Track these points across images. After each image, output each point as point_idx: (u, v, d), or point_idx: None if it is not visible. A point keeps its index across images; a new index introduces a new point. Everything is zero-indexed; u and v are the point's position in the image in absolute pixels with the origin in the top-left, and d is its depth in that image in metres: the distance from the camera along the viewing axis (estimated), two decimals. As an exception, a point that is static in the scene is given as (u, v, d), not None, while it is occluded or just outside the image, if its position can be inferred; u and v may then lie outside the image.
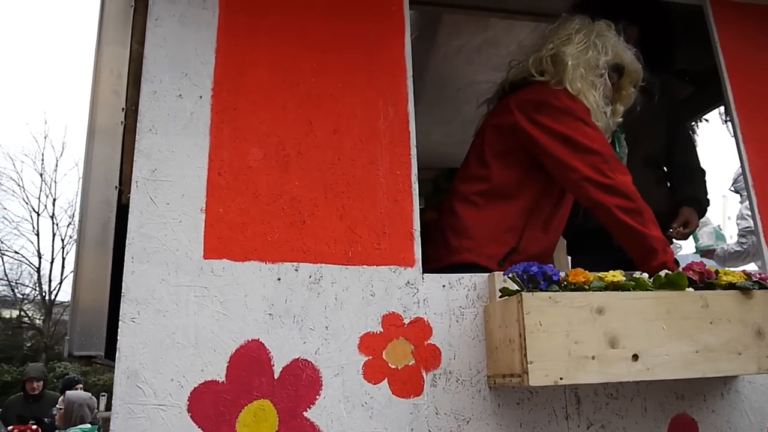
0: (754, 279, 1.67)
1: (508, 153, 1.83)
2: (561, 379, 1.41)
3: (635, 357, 1.47)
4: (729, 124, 2.07)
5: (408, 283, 1.60)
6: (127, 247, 1.46)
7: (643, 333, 1.48)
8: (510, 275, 1.52)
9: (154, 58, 1.60)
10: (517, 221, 1.81)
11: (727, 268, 1.66)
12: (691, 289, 1.60)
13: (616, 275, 1.56)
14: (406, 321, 1.57)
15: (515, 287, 1.51)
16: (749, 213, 2.40)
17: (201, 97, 1.59)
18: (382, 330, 1.55)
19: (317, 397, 1.47)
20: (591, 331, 1.45)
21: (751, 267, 3.06)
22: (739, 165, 2.04)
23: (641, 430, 1.67)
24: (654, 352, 1.48)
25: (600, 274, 1.57)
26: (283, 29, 1.71)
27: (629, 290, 1.54)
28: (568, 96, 1.79)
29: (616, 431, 1.65)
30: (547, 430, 1.60)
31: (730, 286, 1.61)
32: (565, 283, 1.52)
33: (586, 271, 1.54)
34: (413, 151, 1.70)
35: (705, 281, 1.62)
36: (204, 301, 1.46)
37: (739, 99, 2.07)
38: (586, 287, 1.50)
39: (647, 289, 1.56)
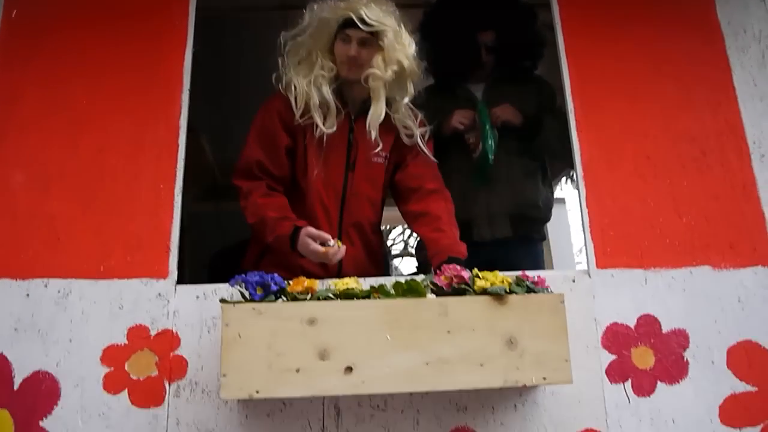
0: (529, 282, 1.54)
1: None
2: (257, 392, 1.38)
3: (349, 369, 1.40)
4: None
5: (159, 295, 1.63)
6: None
7: (362, 344, 1.42)
8: (237, 284, 1.50)
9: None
10: None
11: (494, 273, 1.53)
12: (432, 296, 1.50)
13: (349, 283, 1.50)
14: (153, 333, 1.60)
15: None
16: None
17: (-29, 129, 1.71)
18: (126, 342, 1.59)
19: (54, 407, 1.54)
20: (298, 344, 1.41)
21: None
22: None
23: (411, 443, 1.59)
24: (372, 365, 1.41)
25: (334, 281, 1.52)
26: (61, 54, 1.79)
27: (360, 299, 1.47)
28: (269, 98, 1.83)
29: (379, 445, 1.58)
30: (299, 442, 1.57)
31: (484, 291, 1.49)
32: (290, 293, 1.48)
33: (314, 280, 1.50)
34: (180, 164, 1.73)
35: (456, 287, 1.51)
36: (-48, 318, 1.57)
37: (576, 82, 1.89)
38: (301, 297, 1.46)
39: (386, 297, 1.49)
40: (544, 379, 1.44)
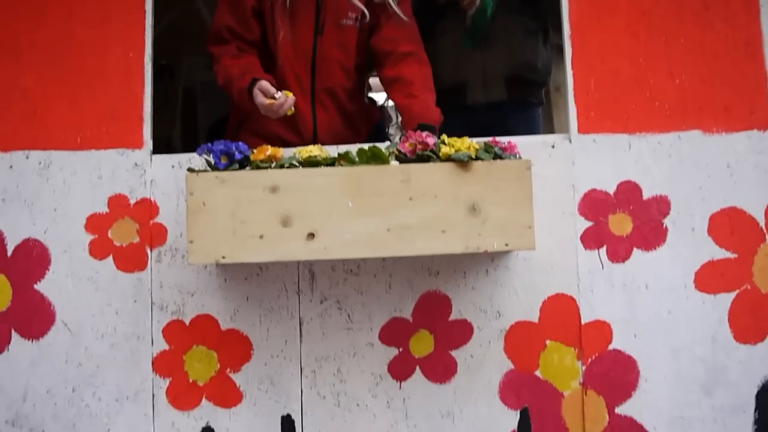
0: (497, 148, 1.50)
1: None
2: (223, 258, 1.43)
3: (311, 236, 1.43)
4: None
5: (136, 164, 1.66)
6: None
7: (323, 211, 1.43)
8: (204, 153, 1.52)
9: None
10: None
11: (462, 139, 1.49)
12: (396, 163, 1.49)
13: (313, 150, 1.49)
14: (132, 201, 1.65)
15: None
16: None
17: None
18: (108, 211, 1.65)
19: (46, 272, 1.64)
20: (261, 211, 1.43)
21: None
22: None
23: (383, 305, 1.65)
24: (334, 231, 1.43)
25: (298, 149, 1.51)
26: None
27: (324, 166, 1.47)
28: None
29: (352, 306, 1.65)
30: (275, 304, 1.65)
31: (448, 158, 1.47)
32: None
33: (278, 149, 1.50)
34: (148, 32, 1.69)
35: (420, 154, 1.48)
36: (-57, 189, 1.65)
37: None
38: (264, 165, 1.47)
39: (350, 165, 1.48)
40: (506, 245, 1.44)
